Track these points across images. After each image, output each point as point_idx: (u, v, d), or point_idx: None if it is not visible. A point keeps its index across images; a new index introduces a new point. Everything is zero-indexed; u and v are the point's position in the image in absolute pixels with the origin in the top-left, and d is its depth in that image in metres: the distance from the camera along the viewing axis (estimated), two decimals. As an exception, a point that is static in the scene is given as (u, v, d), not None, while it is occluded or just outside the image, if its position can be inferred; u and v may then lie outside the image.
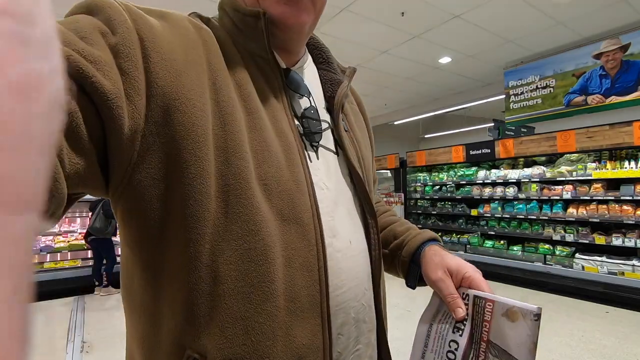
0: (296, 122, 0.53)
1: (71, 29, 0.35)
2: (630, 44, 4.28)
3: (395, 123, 8.65)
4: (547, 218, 4.36)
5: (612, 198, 3.81)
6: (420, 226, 1.02)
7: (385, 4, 3.54)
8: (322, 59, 0.65)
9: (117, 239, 4.33)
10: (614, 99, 4.43)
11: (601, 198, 3.89)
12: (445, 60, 5.20)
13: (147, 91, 0.38)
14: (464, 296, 0.54)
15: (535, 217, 4.48)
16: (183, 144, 0.40)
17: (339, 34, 4.20)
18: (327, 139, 0.57)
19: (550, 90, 5.04)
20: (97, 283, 4.42)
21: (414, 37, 4.35)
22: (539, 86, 5.15)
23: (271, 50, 0.51)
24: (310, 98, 0.56)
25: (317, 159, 0.53)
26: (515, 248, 4.64)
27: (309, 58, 0.63)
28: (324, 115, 0.58)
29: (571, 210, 4.15)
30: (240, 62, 0.50)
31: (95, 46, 0.35)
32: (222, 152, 0.42)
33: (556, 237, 4.25)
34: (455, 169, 5.74)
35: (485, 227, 5.11)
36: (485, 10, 3.75)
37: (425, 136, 9.96)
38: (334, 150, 0.57)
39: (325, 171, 0.53)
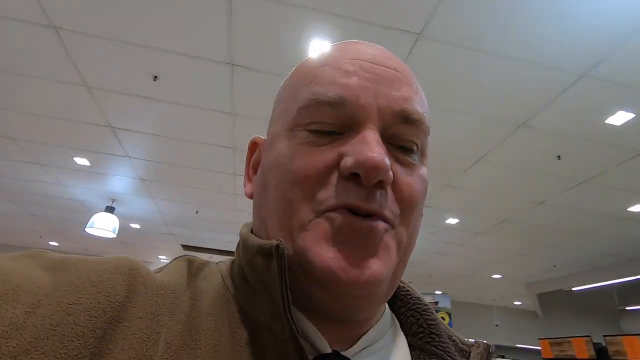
0: None
1: None
2: None
3: (574, 290, 6.61)
4: None
5: None
6: None
7: (534, 150, 2.95)
8: (421, 328, 0.37)
9: None
10: None
11: None
12: (638, 207, 3.89)
13: None
14: None
15: None
16: None
17: (474, 186, 3.65)
18: None
19: None
20: None
21: (580, 183, 3.44)
22: None
23: (291, 318, 0.27)
24: None
25: None
26: None
27: (394, 327, 0.37)
28: None
29: None
30: (211, 339, 0.28)
31: None
32: None
33: None
34: None
35: None
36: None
37: (627, 308, 7.20)
38: None
39: None
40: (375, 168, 0.29)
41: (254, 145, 0.42)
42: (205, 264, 0.36)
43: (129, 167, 3.77)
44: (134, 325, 0.25)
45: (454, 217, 4.40)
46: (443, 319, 0.41)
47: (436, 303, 6.46)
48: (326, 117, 0.32)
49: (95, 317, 0.24)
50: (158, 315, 0.27)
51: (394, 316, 0.39)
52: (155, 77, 2.43)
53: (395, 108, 0.32)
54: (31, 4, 1.92)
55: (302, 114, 0.33)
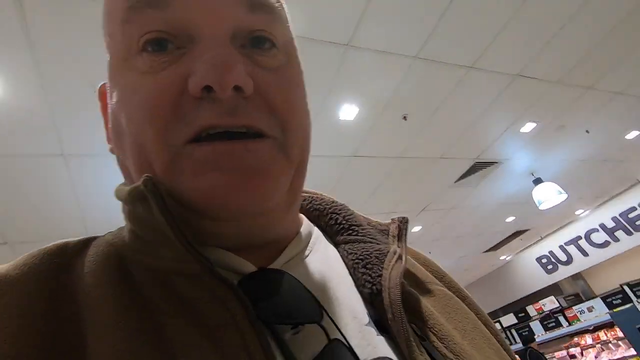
0: None
1: None
2: None
3: None
4: None
5: None
6: None
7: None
8: (340, 225, 0.38)
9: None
10: None
11: None
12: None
13: None
14: None
15: None
16: None
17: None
18: None
19: None
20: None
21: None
22: None
23: (193, 249, 0.26)
24: (325, 323, 0.28)
25: None
26: None
27: (315, 234, 0.38)
28: (371, 338, 0.29)
29: None
30: (106, 313, 0.25)
31: None
32: None
33: None
34: None
35: None
36: None
37: None
38: None
39: None
40: (222, 69, 0.25)
41: (103, 95, 0.36)
42: (87, 241, 0.32)
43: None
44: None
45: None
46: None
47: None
48: (155, 25, 0.27)
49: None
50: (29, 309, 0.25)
51: (313, 225, 0.39)
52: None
53: None
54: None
55: (128, 30, 0.28)
